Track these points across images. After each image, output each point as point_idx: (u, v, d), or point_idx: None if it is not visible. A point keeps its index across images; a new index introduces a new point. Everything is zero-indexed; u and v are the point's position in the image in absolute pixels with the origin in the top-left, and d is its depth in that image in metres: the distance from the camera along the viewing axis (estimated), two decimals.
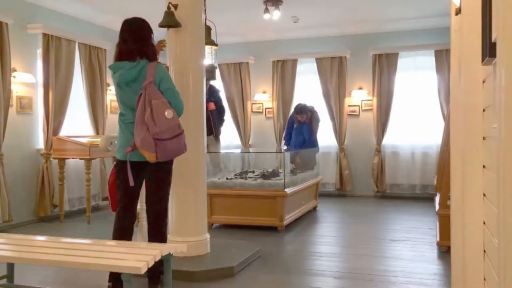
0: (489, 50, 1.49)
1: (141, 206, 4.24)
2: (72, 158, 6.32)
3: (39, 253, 2.83)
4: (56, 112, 6.39)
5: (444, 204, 4.42)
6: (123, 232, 3.39)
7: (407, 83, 8.23)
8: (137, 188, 3.48)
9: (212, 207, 5.67)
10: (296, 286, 3.73)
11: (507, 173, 1.26)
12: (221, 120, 7.38)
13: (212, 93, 7.19)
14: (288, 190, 5.64)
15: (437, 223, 4.71)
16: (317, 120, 7.64)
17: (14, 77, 5.92)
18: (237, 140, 9.12)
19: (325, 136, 8.56)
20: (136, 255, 2.71)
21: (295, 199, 5.97)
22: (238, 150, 9.29)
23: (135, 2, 6.84)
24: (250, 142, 9.06)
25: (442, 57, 7.82)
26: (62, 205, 6.34)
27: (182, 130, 3.32)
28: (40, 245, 3.07)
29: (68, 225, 6.18)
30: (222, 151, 8.55)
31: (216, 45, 5.56)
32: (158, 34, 6.77)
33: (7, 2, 5.96)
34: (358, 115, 8.49)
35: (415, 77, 8.21)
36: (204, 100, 4.37)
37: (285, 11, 7.10)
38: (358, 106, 8.51)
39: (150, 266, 2.58)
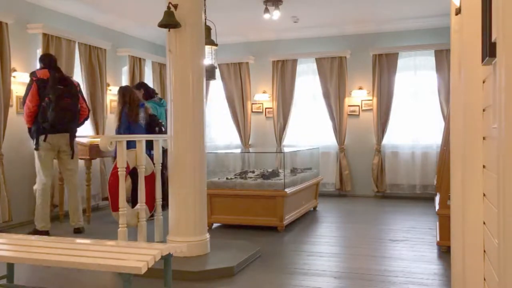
0: (489, 50, 1.49)
1: (140, 206, 4.24)
2: None
3: (39, 253, 2.83)
4: None
5: (444, 204, 4.42)
6: None
7: (407, 83, 8.24)
8: None
9: (212, 207, 5.67)
10: (296, 286, 3.73)
11: (507, 173, 1.26)
12: None
13: None
14: (288, 190, 5.64)
15: (437, 223, 4.71)
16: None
17: (14, 77, 5.92)
18: (237, 140, 9.12)
19: (325, 136, 8.59)
20: (136, 255, 2.71)
21: (295, 199, 5.97)
22: (238, 150, 9.29)
23: (135, 2, 6.84)
24: (250, 142, 9.06)
25: (442, 57, 7.82)
26: (62, 205, 6.33)
27: None
28: (40, 245, 3.06)
29: (68, 225, 6.18)
30: (221, 151, 8.57)
31: (216, 45, 5.56)
32: (158, 33, 6.75)
33: (7, 2, 5.96)
34: (358, 115, 8.49)
35: (415, 77, 8.22)
36: (204, 100, 4.37)
37: (285, 11, 7.10)
38: (358, 106, 8.51)
39: (150, 266, 2.58)
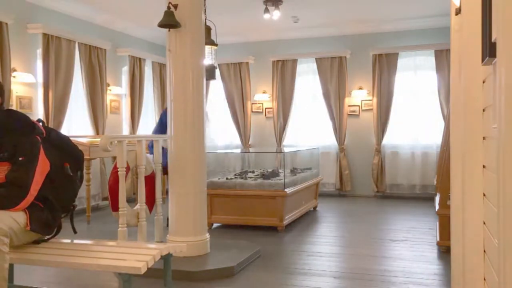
0: (489, 50, 1.49)
1: (140, 206, 4.24)
2: None
3: (39, 254, 2.83)
4: (56, 112, 6.40)
5: (444, 204, 4.42)
6: None
7: (407, 83, 8.23)
8: None
9: (212, 207, 5.67)
10: (296, 286, 3.73)
11: (507, 173, 1.26)
12: None
13: None
14: (288, 190, 5.64)
15: (437, 223, 4.71)
16: None
17: (14, 77, 5.92)
18: (237, 140, 9.12)
19: (325, 136, 8.59)
20: (136, 255, 2.71)
21: (295, 199, 5.97)
22: (238, 150, 9.30)
23: (135, 2, 6.84)
24: (250, 142, 9.06)
25: (442, 57, 7.82)
26: None
27: None
28: (40, 246, 3.06)
29: (68, 225, 6.17)
30: (221, 151, 8.57)
31: (216, 45, 5.56)
32: (158, 33, 6.76)
33: (7, 2, 5.96)
34: (358, 115, 8.49)
35: (415, 77, 8.22)
36: (204, 100, 4.36)
37: (285, 11, 7.10)
38: (358, 106, 8.51)
39: (149, 266, 2.58)
